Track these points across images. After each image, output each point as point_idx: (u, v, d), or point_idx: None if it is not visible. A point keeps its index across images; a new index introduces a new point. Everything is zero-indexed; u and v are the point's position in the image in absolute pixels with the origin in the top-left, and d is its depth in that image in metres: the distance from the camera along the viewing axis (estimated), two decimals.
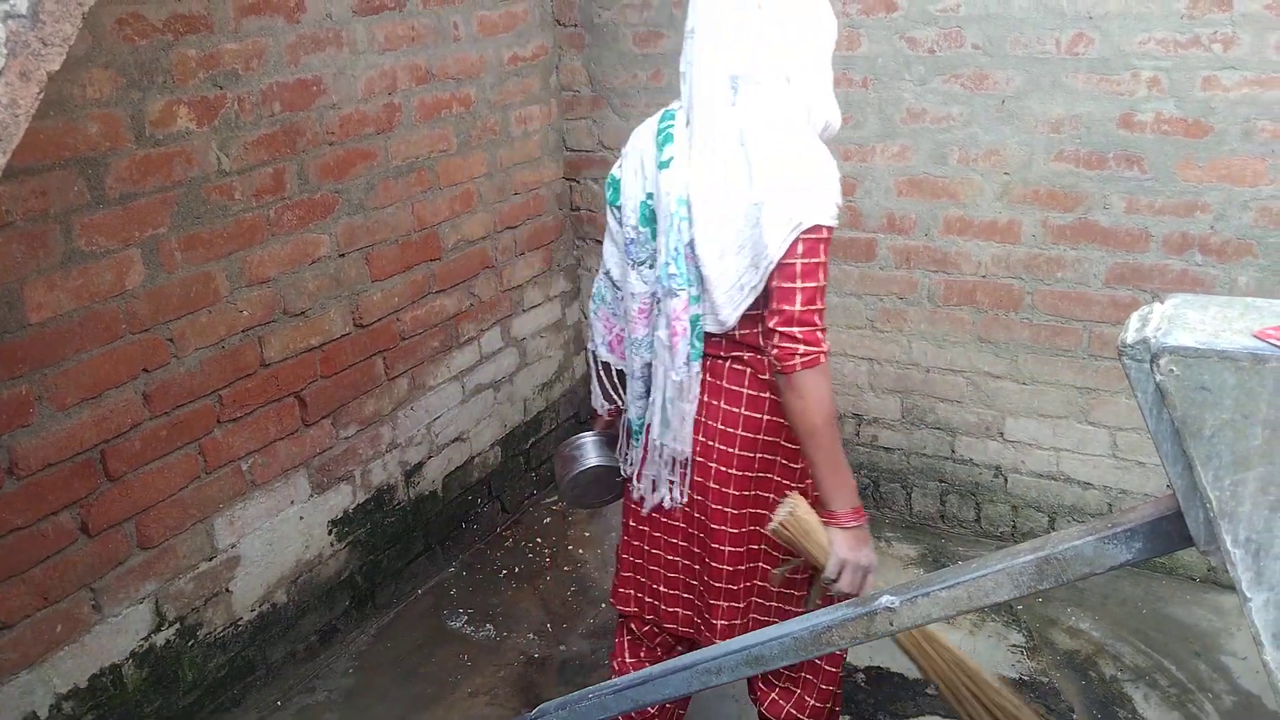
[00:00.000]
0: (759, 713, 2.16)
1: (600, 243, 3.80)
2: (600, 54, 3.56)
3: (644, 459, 2.02)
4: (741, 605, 1.98)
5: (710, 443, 1.90)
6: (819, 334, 1.70)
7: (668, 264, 1.80)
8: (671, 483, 1.97)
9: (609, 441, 2.23)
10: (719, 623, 1.98)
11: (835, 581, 1.76)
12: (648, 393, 1.99)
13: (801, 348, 1.68)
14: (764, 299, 1.76)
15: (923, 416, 3.37)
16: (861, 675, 2.75)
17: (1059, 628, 2.93)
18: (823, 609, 1.58)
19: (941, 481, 3.42)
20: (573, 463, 2.22)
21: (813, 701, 2.10)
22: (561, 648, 2.95)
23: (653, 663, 2.09)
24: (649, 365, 1.96)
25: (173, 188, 2.33)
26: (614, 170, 1.99)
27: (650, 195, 1.87)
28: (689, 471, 1.94)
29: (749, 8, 1.70)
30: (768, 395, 1.86)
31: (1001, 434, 3.28)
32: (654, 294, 1.90)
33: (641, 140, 1.92)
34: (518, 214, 3.52)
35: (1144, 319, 1.16)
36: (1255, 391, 1.06)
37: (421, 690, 2.79)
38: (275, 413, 2.67)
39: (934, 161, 3.11)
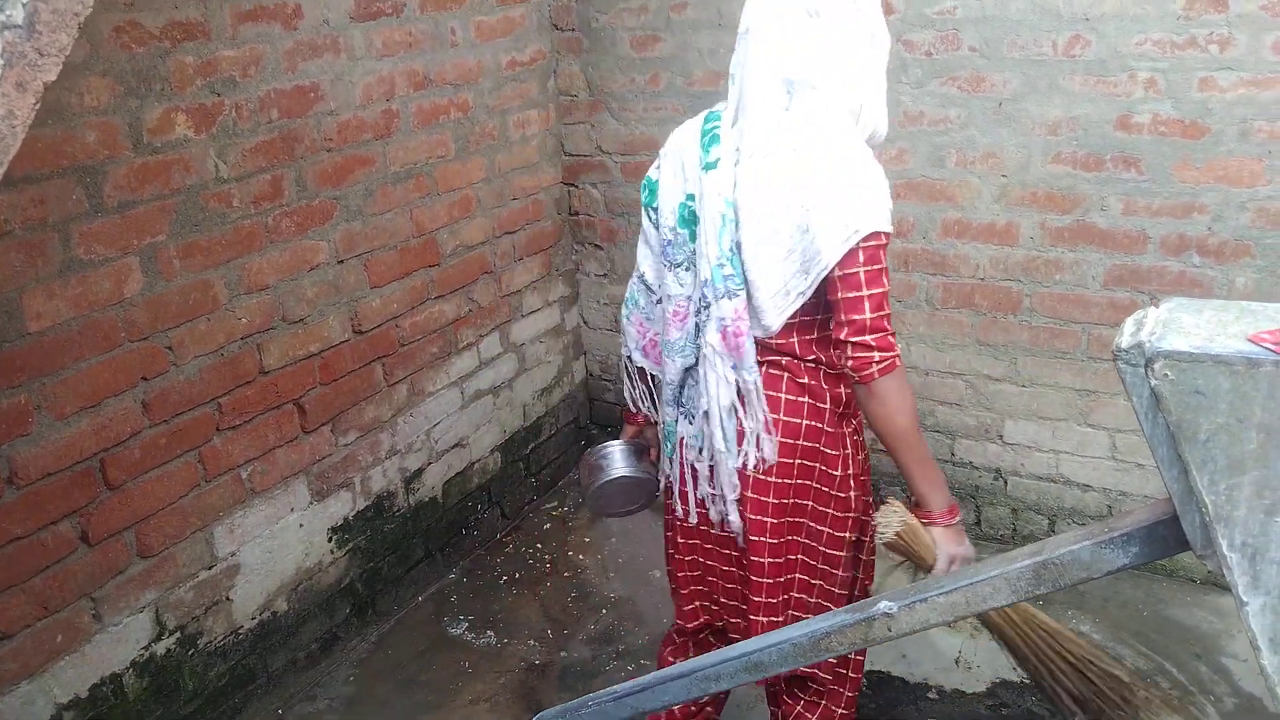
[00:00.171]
0: None
1: (600, 247, 3.83)
2: (598, 58, 3.56)
3: (682, 475, 2.00)
4: (781, 619, 1.96)
5: None
6: (891, 339, 1.71)
7: (721, 265, 1.78)
8: (727, 503, 1.93)
9: (637, 451, 2.21)
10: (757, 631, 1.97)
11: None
12: (679, 401, 1.99)
13: (877, 355, 1.70)
14: (813, 306, 1.78)
15: (922, 419, 3.37)
16: (863, 680, 2.74)
17: None
18: (823, 615, 1.58)
19: None
20: (599, 471, 2.21)
21: (840, 711, 2.09)
22: (562, 654, 2.95)
23: None
24: (687, 371, 1.95)
25: (171, 195, 2.33)
26: (650, 172, 1.98)
27: (691, 196, 1.85)
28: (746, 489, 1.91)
29: (802, 14, 1.71)
30: (806, 400, 1.86)
31: (1001, 437, 3.28)
32: (690, 297, 1.90)
33: (682, 141, 1.91)
34: (516, 219, 3.52)
35: (1139, 323, 1.16)
36: (1249, 396, 1.06)
37: (422, 698, 2.79)
38: (274, 420, 2.68)
39: (931, 164, 3.11)
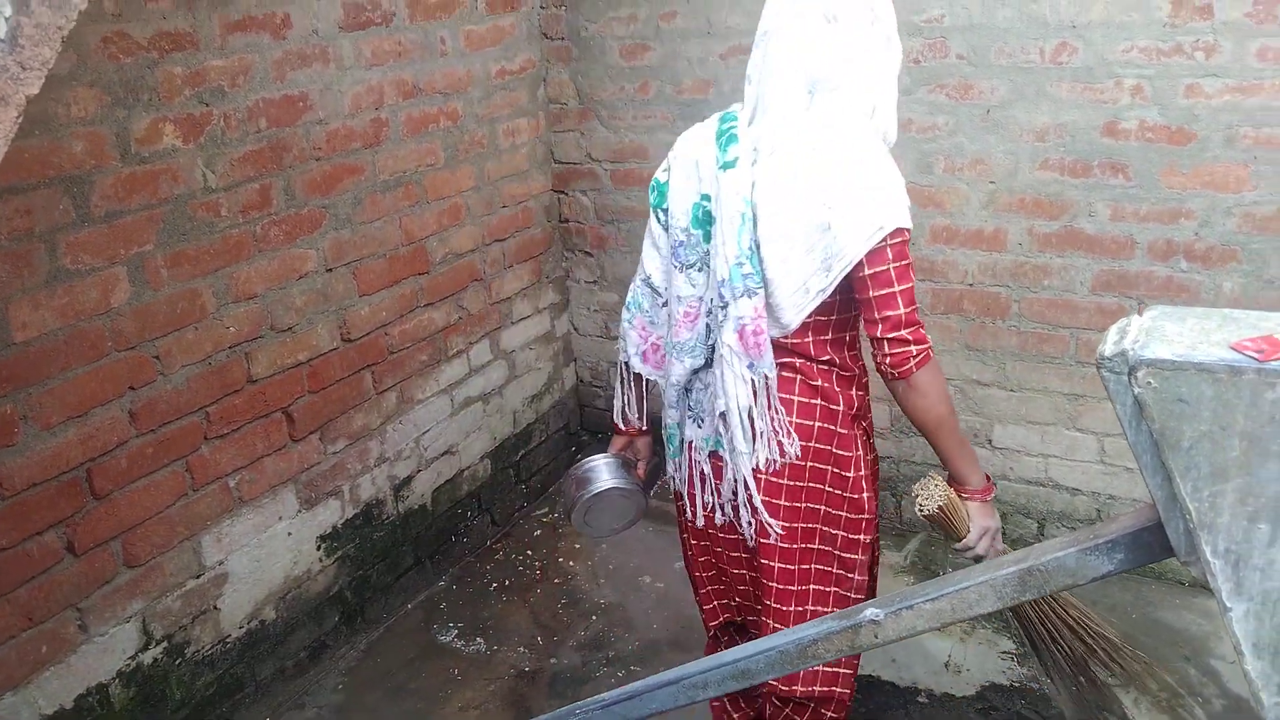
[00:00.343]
0: None
1: (590, 254, 3.83)
2: (587, 67, 3.57)
3: (690, 478, 2.02)
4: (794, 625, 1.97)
5: None
6: (923, 331, 1.76)
7: (740, 263, 1.79)
8: (736, 504, 1.94)
9: (624, 464, 2.15)
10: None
11: (974, 548, 1.90)
12: (687, 405, 2.00)
13: (914, 349, 1.74)
14: (828, 307, 1.80)
15: (911, 424, 3.37)
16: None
17: None
18: (810, 622, 1.58)
19: None
20: (585, 485, 2.11)
21: (829, 714, 2.10)
22: (552, 661, 2.95)
23: None
24: (694, 374, 1.96)
25: (159, 205, 2.33)
26: (658, 175, 1.99)
27: (706, 196, 1.86)
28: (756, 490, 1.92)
29: (821, 19, 1.74)
30: (819, 402, 1.88)
31: (990, 441, 3.28)
32: (702, 298, 1.91)
33: (694, 143, 1.92)
34: (506, 227, 3.52)
35: (1122, 331, 1.17)
36: (1232, 404, 1.07)
37: (411, 706, 2.78)
38: (263, 429, 2.67)
39: (920, 171, 3.12)
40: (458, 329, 3.33)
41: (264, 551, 2.72)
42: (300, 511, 2.82)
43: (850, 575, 1.98)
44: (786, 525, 1.92)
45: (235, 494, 2.62)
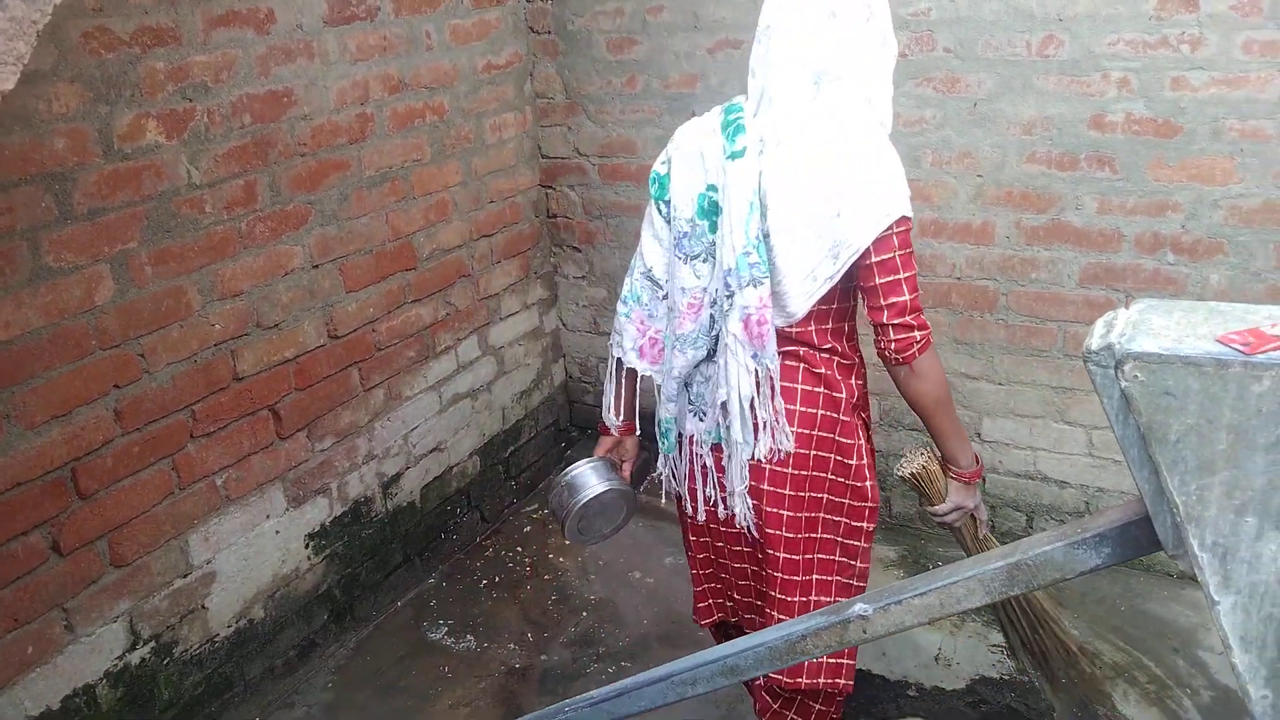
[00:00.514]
0: None
1: (578, 249, 3.82)
2: (574, 61, 3.55)
3: (691, 472, 2.03)
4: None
5: None
6: (924, 317, 1.80)
7: (747, 253, 1.80)
8: (737, 496, 1.94)
9: (611, 466, 2.10)
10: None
11: (943, 517, 2.02)
12: (687, 398, 2.01)
13: (918, 334, 1.79)
14: (830, 296, 1.83)
15: (900, 418, 3.38)
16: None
17: None
18: (797, 619, 1.58)
19: None
20: (575, 492, 2.05)
21: (818, 707, 2.11)
22: (543, 657, 2.94)
23: None
24: (695, 367, 1.97)
25: (142, 202, 2.31)
26: (657, 167, 1.99)
27: (712, 187, 1.87)
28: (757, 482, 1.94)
29: (823, 14, 1.77)
30: (822, 390, 1.90)
31: (979, 434, 3.29)
32: (706, 288, 1.91)
33: (697, 134, 1.92)
34: (494, 222, 3.51)
35: (1109, 325, 1.17)
36: (1219, 397, 1.06)
37: (402, 703, 2.77)
38: (249, 427, 2.65)
39: (908, 164, 3.05)
40: (445, 325, 3.32)
41: (252, 550, 2.71)
42: (288, 509, 2.81)
43: (853, 563, 2.00)
44: (792, 515, 1.92)
45: (222, 492, 2.60)
